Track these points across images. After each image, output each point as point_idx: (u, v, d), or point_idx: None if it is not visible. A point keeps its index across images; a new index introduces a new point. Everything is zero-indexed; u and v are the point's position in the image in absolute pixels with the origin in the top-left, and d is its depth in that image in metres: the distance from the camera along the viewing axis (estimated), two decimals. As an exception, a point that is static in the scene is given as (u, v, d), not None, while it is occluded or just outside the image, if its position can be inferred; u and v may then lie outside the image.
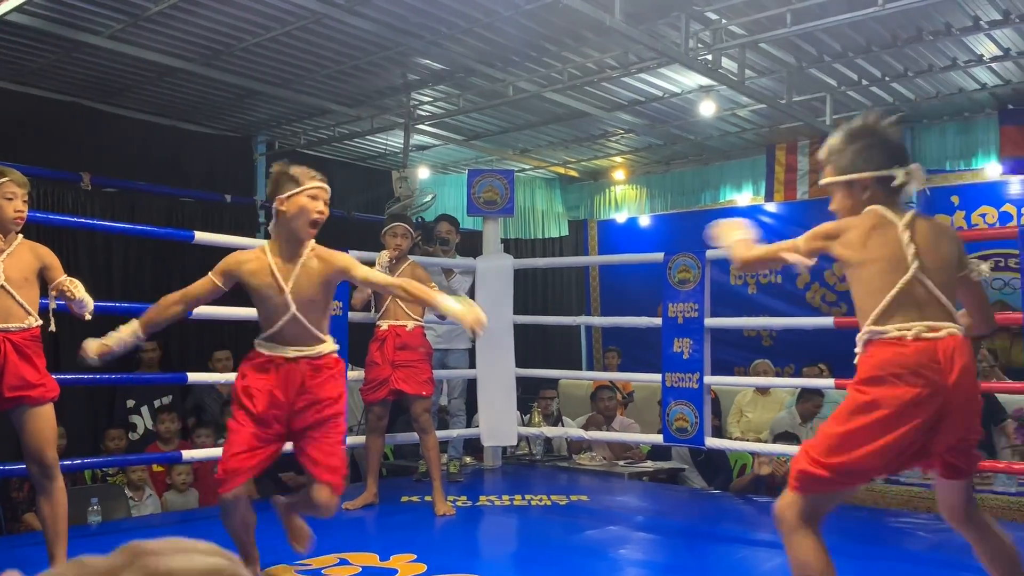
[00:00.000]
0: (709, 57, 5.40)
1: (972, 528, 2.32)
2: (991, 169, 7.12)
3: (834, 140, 2.37)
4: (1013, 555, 2.31)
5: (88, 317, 3.41)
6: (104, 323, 6.24)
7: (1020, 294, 4.25)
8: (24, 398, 3.12)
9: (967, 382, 2.13)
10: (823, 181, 2.41)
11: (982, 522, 2.34)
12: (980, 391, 2.24)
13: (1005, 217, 7.35)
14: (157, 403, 5.90)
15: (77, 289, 3.28)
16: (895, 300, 2.16)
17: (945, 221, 7.62)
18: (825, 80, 6.24)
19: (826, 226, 2.31)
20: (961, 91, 6.48)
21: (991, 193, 7.45)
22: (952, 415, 2.12)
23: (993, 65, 5.94)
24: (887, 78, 6.20)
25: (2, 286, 3.12)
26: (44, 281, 3.31)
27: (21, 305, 3.15)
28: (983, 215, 7.46)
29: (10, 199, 3.17)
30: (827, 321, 5.09)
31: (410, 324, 4.85)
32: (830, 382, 5.09)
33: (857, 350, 2.24)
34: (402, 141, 7.32)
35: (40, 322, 3.22)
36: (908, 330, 2.13)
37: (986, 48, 5.66)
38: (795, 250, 2.36)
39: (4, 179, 3.18)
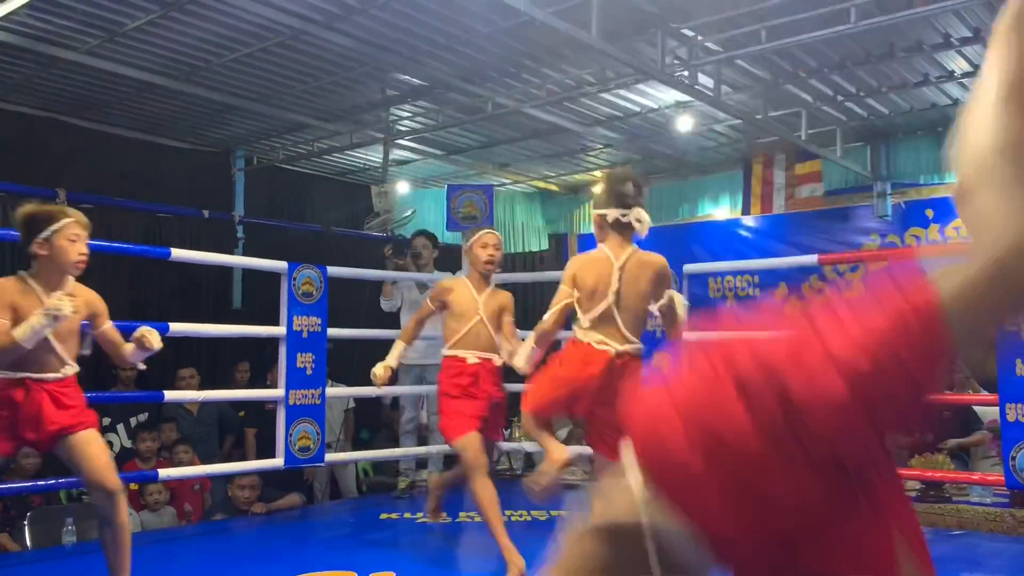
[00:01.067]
0: (686, 73, 5.46)
1: None
2: (964, 183, 7.21)
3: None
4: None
5: (143, 367, 3.36)
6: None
7: (993, 307, 4.29)
8: (64, 430, 3.06)
9: (614, 385, 2.93)
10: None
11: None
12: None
13: (978, 230, 7.45)
14: (133, 421, 5.85)
15: (157, 341, 3.25)
16: (596, 319, 3.11)
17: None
18: (801, 96, 6.32)
19: (565, 274, 3.28)
20: (934, 106, 6.57)
21: (963, 207, 7.55)
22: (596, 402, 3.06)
23: (964, 81, 6.04)
24: (861, 93, 6.28)
25: (44, 337, 3.02)
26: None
27: (60, 356, 3.08)
28: (957, 228, 7.55)
29: (73, 241, 3.06)
30: (804, 334, 5.11)
31: (497, 357, 4.21)
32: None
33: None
34: (381, 156, 7.32)
35: (77, 369, 3.16)
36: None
37: (957, 64, 5.75)
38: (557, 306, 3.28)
39: (68, 219, 3.06)
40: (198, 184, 7.27)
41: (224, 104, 6.29)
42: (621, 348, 3.06)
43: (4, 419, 2.99)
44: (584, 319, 3.09)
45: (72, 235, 3.05)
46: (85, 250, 3.10)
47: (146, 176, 6.88)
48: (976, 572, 3.87)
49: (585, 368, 3.03)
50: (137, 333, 3.21)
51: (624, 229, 3.13)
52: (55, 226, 3.01)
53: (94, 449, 3.10)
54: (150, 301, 6.68)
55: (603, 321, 3.06)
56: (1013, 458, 4.10)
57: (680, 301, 3.24)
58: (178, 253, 4.71)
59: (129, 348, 3.26)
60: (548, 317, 3.22)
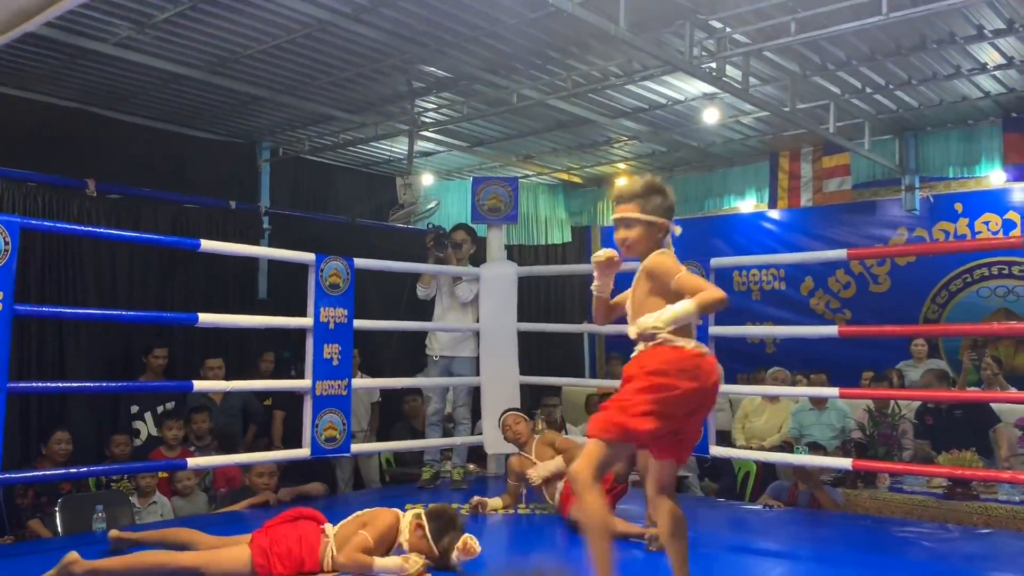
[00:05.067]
0: (713, 65, 5.41)
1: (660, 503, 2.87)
2: (995, 176, 7.12)
3: (634, 186, 2.89)
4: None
5: None
6: (110, 329, 6.27)
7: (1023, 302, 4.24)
8: None
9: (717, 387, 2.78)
10: (625, 215, 2.88)
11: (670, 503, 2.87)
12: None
13: (1008, 224, 7.35)
14: (160, 409, 5.92)
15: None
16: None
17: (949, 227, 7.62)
18: (829, 88, 6.25)
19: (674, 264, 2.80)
20: (965, 99, 6.48)
21: (994, 200, 7.45)
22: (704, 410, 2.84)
23: (997, 73, 5.95)
24: (891, 86, 6.21)
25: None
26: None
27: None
28: (986, 223, 7.46)
29: None
30: (831, 330, 5.07)
31: None
32: (835, 391, 5.08)
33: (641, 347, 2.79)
34: (406, 147, 7.33)
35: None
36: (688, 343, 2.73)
37: (990, 56, 5.67)
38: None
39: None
40: (224, 175, 7.32)
41: (250, 95, 6.33)
42: (705, 351, 2.75)
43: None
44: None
45: None
46: None
47: (173, 167, 6.94)
48: (1004, 571, 3.82)
49: (707, 378, 2.70)
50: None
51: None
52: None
53: None
54: (177, 291, 6.74)
55: (684, 326, 2.72)
56: (1044, 456, 4.05)
57: None
58: (208, 244, 4.74)
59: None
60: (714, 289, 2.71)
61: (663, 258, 2.83)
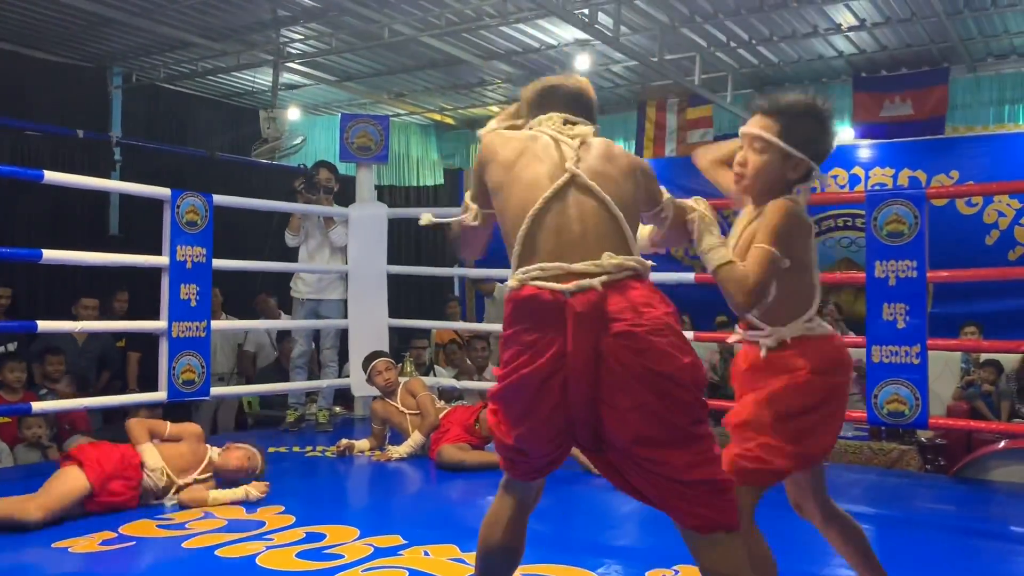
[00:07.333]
0: (586, 12, 5.44)
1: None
2: (844, 133, 7.52)
3: (798, 101, 2.03)
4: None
5: None
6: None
7: (865, 252, 4.57)
8: None
9: None
10: (764, 136, 2.02)
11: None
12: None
13: (854, 179, 7.81)
14: (0, 349, 5.54)
15: None
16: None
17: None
18: (696, 40, 6.41)
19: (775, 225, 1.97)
20: (821, 57, 6.80)
21: (842, 156, 7.87)
22: None
23: (850, 34, 6.26)
24: (753, 41, 6.43)
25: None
26: None
27: None
28: (835, 176, 7.90)
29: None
30: (688, 276, 5.27)
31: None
32: (689, 334, 5.29)
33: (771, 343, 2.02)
34: (270, 79, 7.03)
35: None
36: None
37: (844, 18, 5.95)
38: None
39: None
40: (71, 101, 6.83)
41: (100, 16, 5.90)
42: None
43: None
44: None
45: None
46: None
47: (13, 90, 6.40)
48: (837, 500, 4.14)
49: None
50: None
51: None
52: None
53: None
54: (18, 225, 6.29)
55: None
56: (875, 396, 4.38)
57: None
58: (52, 176, 4.41)
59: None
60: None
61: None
